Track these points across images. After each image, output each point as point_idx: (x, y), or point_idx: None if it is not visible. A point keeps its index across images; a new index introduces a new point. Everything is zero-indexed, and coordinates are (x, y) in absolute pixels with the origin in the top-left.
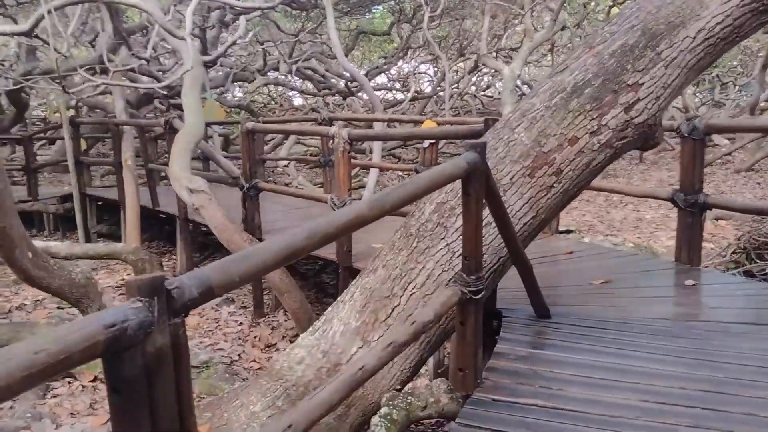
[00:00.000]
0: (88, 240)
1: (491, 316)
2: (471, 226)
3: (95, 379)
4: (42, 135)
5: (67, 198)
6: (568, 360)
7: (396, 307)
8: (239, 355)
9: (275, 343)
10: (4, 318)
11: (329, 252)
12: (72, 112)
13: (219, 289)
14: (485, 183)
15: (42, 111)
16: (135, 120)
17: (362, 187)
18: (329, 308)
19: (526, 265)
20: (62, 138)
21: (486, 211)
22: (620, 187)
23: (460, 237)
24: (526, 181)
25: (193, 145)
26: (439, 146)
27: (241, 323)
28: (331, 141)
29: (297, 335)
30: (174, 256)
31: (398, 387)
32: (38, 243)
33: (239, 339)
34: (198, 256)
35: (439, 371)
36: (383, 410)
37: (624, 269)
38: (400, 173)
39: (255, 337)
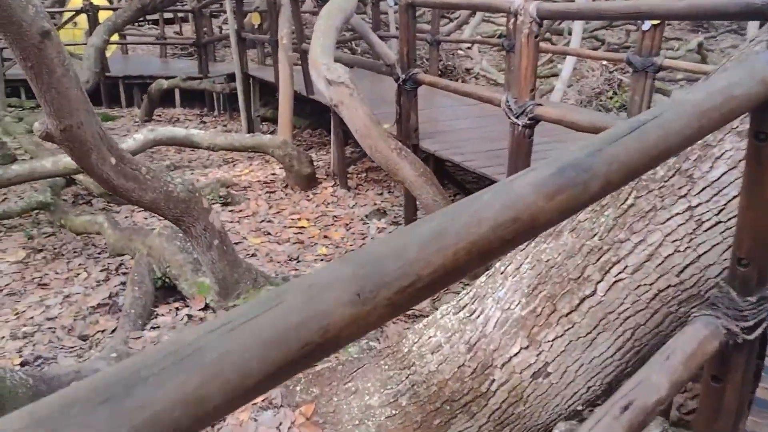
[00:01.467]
0: (250, 124)
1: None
2: (762, 201)
3: (206, 307)
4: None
5: (233, 77)
6: None
7: (588, 297)
8: None
9: None
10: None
11: (499, 172)
12: None
13: None
14: None
15: None
16: None
17: (554, 75)
18: (481, 278)
19: None
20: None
21: None
22: None
23: (716, 197)
24: None
25: (341, 21)
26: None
27: None
28: (514, 19)
29: None
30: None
31: (579, 407)
32: (178, 130)
33: None
34: (357, 151)
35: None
36: None
37: None
38: (606, 63)
39: None
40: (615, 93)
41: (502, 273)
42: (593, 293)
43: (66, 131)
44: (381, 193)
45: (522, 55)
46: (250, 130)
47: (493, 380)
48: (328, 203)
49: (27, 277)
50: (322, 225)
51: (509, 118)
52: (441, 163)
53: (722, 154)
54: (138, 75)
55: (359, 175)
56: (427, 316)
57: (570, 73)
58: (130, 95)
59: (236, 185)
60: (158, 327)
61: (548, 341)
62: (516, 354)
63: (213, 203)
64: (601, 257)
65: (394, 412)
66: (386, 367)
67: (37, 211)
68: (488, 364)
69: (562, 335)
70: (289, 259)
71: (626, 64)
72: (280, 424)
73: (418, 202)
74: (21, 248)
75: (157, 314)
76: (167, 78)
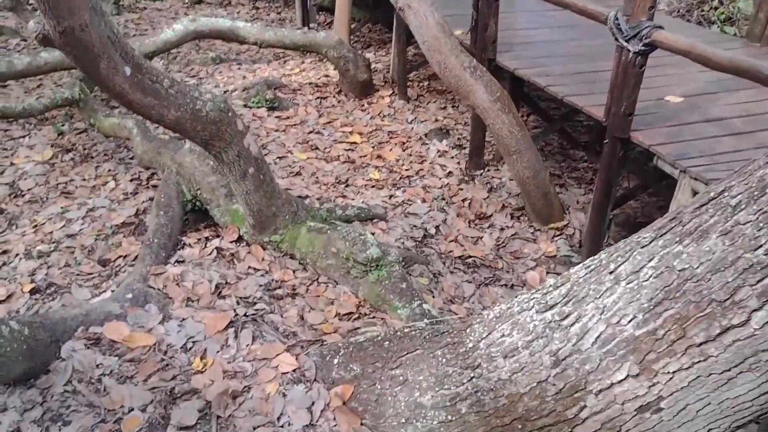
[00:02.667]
0: (305, 14)
1: None
2: None
3: (239, 239)
4: None
5: None
6: None
7: (735, 327)
8: (437, 227)
9: (490, 215)
10: None
11: (594, 103)
12: None
13: None
14: None
15: None
16: None
17: None
18: (579, 270)
19: None
20: None
21: None
22: None
23: None
24: None
25: None
26: None
27: (449, 172)
28: None
29: (522, 210)
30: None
31: None
32: (223, 21)
33: (442, 198)
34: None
35: None
36: None
37: None
38: None
39: (464, 201)
40: (721, 3)
41: (611, 273)
42: (744, 324)
43: (66, 34)
44: (444, 107)
45: None
46: (305, 20)
47: (584, 407)
48: (384, 116)
49: (51, 182)
50: (375, 142)
51: (617, 40)
52: (519, 83)
53: None
54: None
55: (421, 84)
56: (495, 283)
57: None
58: None
59: (285, 87)
60: (183, 261)
61: (667, 372)
62: (620, 381)
63: (259, 107)
64: (765, 279)
65: (450, 417)
66: (444, 360)
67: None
68: (580, 387)
69: (689, 368)
70: (337, 182)
71: None
72: (312, 404)
73: (488, 131)
74: (50, 146)
75: (183, 244)
76: None
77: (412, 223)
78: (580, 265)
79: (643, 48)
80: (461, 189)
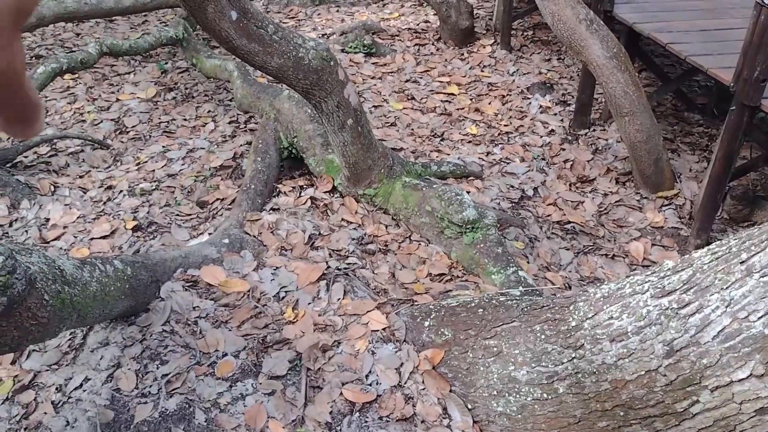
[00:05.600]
0: None
1: None
2: None
3: (333, 190)
4: None
5: None
6: None
7: None
8: (535, 188)
9: (593, 179)
10: None
11: (722, 65)
12: None
13: None
14: None
15: None
16: None
17: None
18: (703, 254)
19: None
20: None
21: None
22: None
23: None
24: None
25: None
26: None
27: (551, 130)
28: None
29: (629, 175)
30: None
31: None
32: None
33: (542, 157)
34: (519, 8)
35: None
36: None
37: None
38: None
39: (565, 162)
40: None
41: (743, 263)
42: None
43: None
44: (548, 59)
45: None
46: None
47: (697, 401)
48: (484, 66)
49: (154, 120)
50: (474, 94)
51: (763, 4)
52: (636, 37)
53: None
54: None
55: (525, 34)
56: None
57: None
58: None
59: (383, 32)
60: (278, 209)
61: None
62: (741, 380)
63: (356, 52)
64: None
65: (545, 396)
66: (543, 336)
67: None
68: (694, 381)
69: None
70: (433, 135)
71: None
72: (401, 365)
73: (599, 88)
74: (153, 84)
75: (279, 191)
76: None
77: (509, 183)
78: (705, 249)
79: None
80: (563, 149)
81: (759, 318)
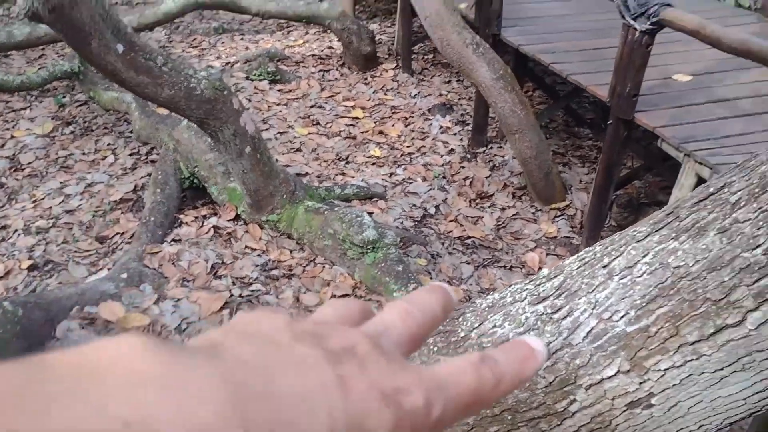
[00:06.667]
0: None
1: None
2: None
3: (237, 218)
4: None
5: None
6: None
7: (730, 327)
8: (437, 206)
9: (491, 194)
10: None
11: (599, 82)
12: None
13: None
14: None
15: None
16: None
17: None
18: (572, 261)
19: None
20: None
21: None
22: None
23: None
24: None
25: None
26: None
27: (452, 149)
28: None
29: (524, 189)
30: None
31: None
32: None
33: (443, 176)
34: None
35: None
36: None
37: None
38: None
39: (465, 179)
40: None
41: (605, 267)
42: (739, 324)
43: (56, 11)
44: (448, 81)
45: None
46: None
47: (574, 400)
48: (388, 90)
49: (51, 156)
50: (378, 117)
51: (623, 18)
52: (524, 58)
53: None
54: None
55: (425, 57)
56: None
57: None
58: None
59: (288, 59)
60: (179, 240)
61: (659, 370)
62: (611, 377)
63: (261, 79)
64: (761, 279)
65: None
66: (435, 348)
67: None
68: (570, 381)
69: (681, 366)
70: (338, 159)
71: None
72: None
73: (491, 109)
74: (50, 118)
75: (180, 222)
76: None
77: (412, 202)
78: (575, 256)
79: (650, 27)
80: (463, 167)
81: (621, 317)
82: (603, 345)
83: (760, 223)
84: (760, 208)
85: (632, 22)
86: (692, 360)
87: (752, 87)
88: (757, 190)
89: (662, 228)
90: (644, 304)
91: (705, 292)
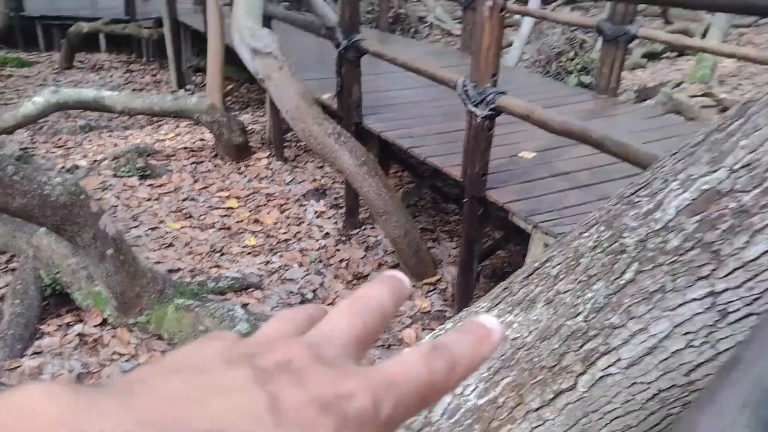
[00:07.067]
0: (180, 76)
1: None
2: None
3: (104, 323)
4: None
5: (161, 22)
6: None
7: (565, 391)
8: (314, 291)
9: (367, 275)
10: None
11: (453, 163)
12: None
13: None
14: None
15: None
16: None
17: (511, 26)
18: (437, 332)
19: None
20: None
21: None
22: None
23: (749, 283)
24: None
25: None
26: None
27: (327, 233)
28: None
29: (397, 267)
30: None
31: None
32: (87, 91)
33: (319, 260)
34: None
35: None
36: None
37: None
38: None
39: (341, 261)
40: (576, 54)
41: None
42: (572, 387)
43: None
44: (321, 166)
45: (484, 31)
46: (181, 82)
47: None
48: (262, 178)
49: None
50: (253, 206)
51: (466, 105)
52: (387, 143)
53: (765, 227)
54: (57, 15)
55: (298, 144)
56: None
57: (530, 31)
58: (50, 37)
59: (158, 153)
60: (41, 352)
61: None
62: None
63: (129, 176)
64: (585, 344)
65: None
66: None
67: None
68: None
69: None
70: (212, 251)
71: (598, 33)
72: None
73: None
74: None
75: (42, 333)
76: (90, 19)
77: (289, 289)
78: (431, 335)
79: (489, 112)
80: (338, 250)
81: (472, 391)
82: (459, 420)
83: (578, 293)
84: (576, 279)
85: (474, 108)
86: (538, 426)
87: (587, 160)
88: (572, 262)
89: (499, 303)
90: (490, 377)
91: (540, 360)
